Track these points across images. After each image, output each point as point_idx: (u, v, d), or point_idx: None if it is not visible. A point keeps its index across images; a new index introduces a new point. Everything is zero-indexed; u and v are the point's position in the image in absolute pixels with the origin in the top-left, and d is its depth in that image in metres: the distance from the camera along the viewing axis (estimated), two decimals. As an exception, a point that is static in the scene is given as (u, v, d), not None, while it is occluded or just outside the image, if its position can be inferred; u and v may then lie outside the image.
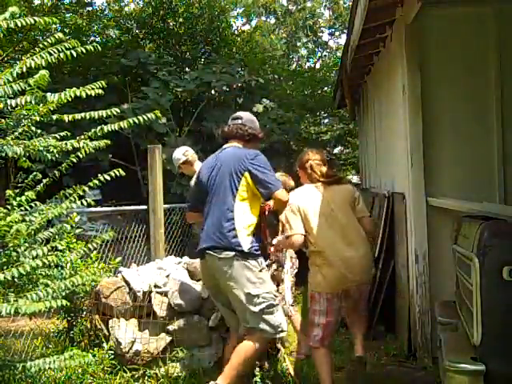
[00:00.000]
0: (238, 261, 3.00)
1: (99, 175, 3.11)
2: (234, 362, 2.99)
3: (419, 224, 3.74)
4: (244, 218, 3.07)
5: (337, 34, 16.99)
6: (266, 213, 3.34)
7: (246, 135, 3.30)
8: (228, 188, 3.09)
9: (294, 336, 4.43)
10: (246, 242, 3.03)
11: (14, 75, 2.69)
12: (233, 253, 3.00)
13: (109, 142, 3.08)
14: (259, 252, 3.10)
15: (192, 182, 4.11)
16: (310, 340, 3.26)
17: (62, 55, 2.81)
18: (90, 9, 9.96)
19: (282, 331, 3.13)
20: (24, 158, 3.00)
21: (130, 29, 10.36)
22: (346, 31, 6.42)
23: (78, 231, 3.52)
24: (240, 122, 3.34)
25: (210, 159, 3.35)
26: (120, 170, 3.12)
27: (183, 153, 4.59)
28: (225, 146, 3.33)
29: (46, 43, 2.93)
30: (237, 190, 3.08)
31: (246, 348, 3.01)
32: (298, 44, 16.62)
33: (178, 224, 6.32)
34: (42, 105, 2.89)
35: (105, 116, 3.01)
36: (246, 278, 3.01)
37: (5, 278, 2.53)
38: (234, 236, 3.02)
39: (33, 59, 2.73)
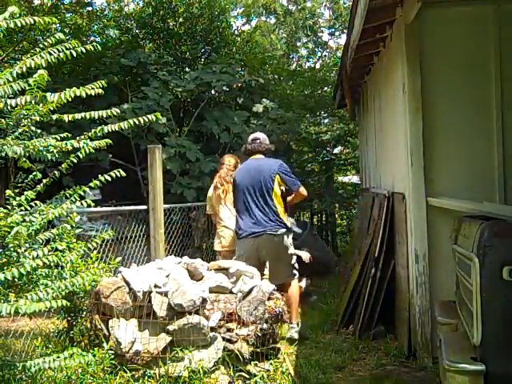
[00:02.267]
0: (286, 234, 4.47)
1: (99, 175, 3.11)
2: (293, 303, 4.47)
3: (419, 224, 3.74)
4: (279, 206, 4.50)
5: (337, 34, 16.91)
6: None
7: (265, 151, 4.75)
8: (267, 187, 4.47)
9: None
10: (286, 221, 4.52)
11: (14, 75, 2.69)
12: (284, 229, 4.44)
13: (109, 141, 3.08)
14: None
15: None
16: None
17: (61, 55, 2.81)
18: (90, 9, 9.90)
19: (295, 275, 4.60)
20: (24, 158, 3.00)
21: (130, 29, 10.34)
22: (346, 31, 6.41)
23: (78, 231, 3.52)
24: (259, 141, 4.75)
25: (243, 167, 4.75)
26: (120, 170, 3.13)
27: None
28: (252, 158, 4.73)
29: (46, 43, 2.93)
30: (272, 188, 4.48)
31: (294, 291, 4.52)
32: (298, 44, 16.57)
33: (177, 224, 6.32)
34: (41, 105, 2.89)
35: (105, 116, 3.02)
36: (290, 244, 4.51)
37: (5, 277, 2.53)
38: (281, 219, 4.46)
39: (33, 59, 2.73)
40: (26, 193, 3.07)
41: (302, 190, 4.62)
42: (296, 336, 4.35)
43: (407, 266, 3.97)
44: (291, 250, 4.55)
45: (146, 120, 3.11)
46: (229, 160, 5.33)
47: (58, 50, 2.81)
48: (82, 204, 3.12)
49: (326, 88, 11.90)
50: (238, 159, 5.39)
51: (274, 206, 4.45)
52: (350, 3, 5.16)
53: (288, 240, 4.50)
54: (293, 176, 4.62)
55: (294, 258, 4.61)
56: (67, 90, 2.87)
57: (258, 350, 3.54)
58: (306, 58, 16.91)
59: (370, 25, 3.84)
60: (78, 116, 2.97)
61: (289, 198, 4.72)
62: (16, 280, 2.76)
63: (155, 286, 3.55)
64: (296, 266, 4.64)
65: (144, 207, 5.15)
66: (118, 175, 3.11)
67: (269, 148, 4.78)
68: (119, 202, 7.26)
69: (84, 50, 2.87)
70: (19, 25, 2.69)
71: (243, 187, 4.54)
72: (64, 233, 3.27)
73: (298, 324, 4.48)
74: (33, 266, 2.66)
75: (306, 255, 5.44)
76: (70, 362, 2.83)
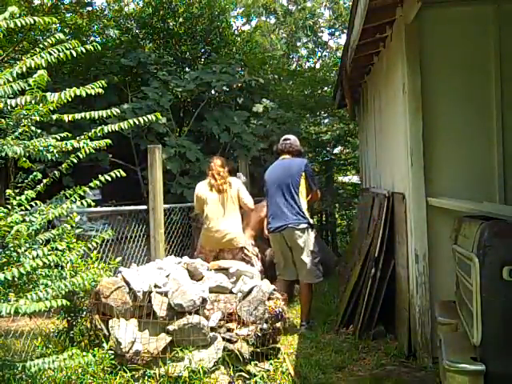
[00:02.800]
0: (307, 229, 4.78)
1: (99, 175, 3.12)
2: (303, 302, 4.89)
3: (419, 224, 3.74)
4: (303, 203, 4.85)
5: (337, 34, 16.93)
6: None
7: (294, 151, 5.09)
8: (294, 184, 4.82)
9: (292, 335, 4.44)
10: (309, 217, 4.85)
11: (14, 75, 2.69)
12: (306, 225, 4.76)
13: (109, 141, 3.08)
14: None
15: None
16: None
17: (61, 55, 2.81)
18: (90, 9, 9.89)
19: (318, 278, 4.89)
20: (24, 158, 3.00)
21: (130, 29, 10.33)
22: (346, 31, 6.41)
23: (78, 231, 3.52)
24: (289, 142, 5.11)
25: (273, 167, 5.11)
26: (120, 170, 3.13)
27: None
28: (282, 157, 5.10)
29: (46, 43, 2.93)
30: (299, 185, 4.84)
31: (306, 289, 4.85)
32: (298, 44, 16.58)
33: (177, 224, 6.32)
34: (41, 105, 2.89)
35: (105, 116, 3.02)
36: (312, 241, 4.80)
37: (5, 277, 2.53)
38: (304, 214, 4.79)
39: (33, 59, 2.73)
40: (26, 192, 3.07)
41: (318, 192, 5.12)
42: (307, 333, 4.58)
43: (407, 266, 3.97)
44: (313, 247, 4.79)
45: (146, 120, 3.12)
46: (214, 163, 5.21)
47: (57, 49, 2.81)
48: (82, 204, 3.12)
49: (326, 88, 11.91)
50: (224, 160, 5.36)
51: (299, 202, 4.80)
52: (350, 3, 5.16)
53: (310, 235, 4.79)
54: (314, 176, 5.07)
55: (317, 258, 4.83)
56: (67, 89, 2.87)
57: (258, 349, 3.54)
58: (306, 58, 16.92)
59: (370, 25, 3.84)
60: (77, 116, 2.97)
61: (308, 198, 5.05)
62: (16, 280, 2.76)
63: (155, 286, 3.56)
64: (320, 267, 4.86)
65: (144, 207, 5.15)
66: (118, 175, 3.11)
67: (298, 149, 5.14)
68: (119, 202, 7.24)
69: (84, 50, 2.87)
70: (19, 25, 2.69)
71: (272, 185, 4.92)
72: (64, 233, 3.27)
73: (308, 322, 4.81)
74: (33, 265, 2.66)
75: None
76: (69, 362, 2.83)
